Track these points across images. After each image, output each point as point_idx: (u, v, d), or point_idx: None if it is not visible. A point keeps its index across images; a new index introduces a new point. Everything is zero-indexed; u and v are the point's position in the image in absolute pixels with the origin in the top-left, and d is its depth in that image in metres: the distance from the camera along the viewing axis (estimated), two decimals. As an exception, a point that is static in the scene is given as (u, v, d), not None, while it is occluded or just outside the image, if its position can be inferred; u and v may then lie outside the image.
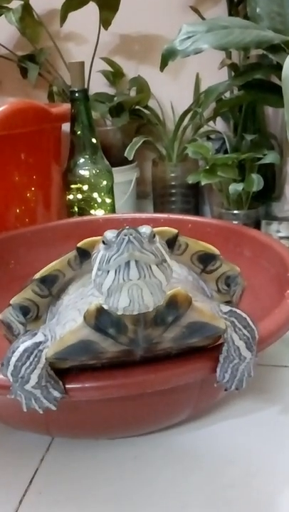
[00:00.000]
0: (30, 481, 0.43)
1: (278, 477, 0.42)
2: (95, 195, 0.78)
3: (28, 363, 0.36)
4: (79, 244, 0.39)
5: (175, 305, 0.33)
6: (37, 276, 0.40)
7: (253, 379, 0.39)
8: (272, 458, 0.44)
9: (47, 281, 0.40)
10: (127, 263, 0.30)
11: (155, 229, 0.39)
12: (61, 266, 0.40)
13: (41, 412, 0.36)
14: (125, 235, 0.30)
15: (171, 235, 0.40)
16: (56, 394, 0.36)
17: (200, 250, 0.41)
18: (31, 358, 0.36)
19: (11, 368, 0.36)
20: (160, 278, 0.32)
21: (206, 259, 0.42)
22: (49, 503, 0.41)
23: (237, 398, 0.51)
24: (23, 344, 0.36)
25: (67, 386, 0.36)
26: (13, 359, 0.36)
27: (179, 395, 0.42)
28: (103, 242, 0.31)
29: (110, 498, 0.41)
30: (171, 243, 0.41)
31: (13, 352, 0.36)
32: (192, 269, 0.43)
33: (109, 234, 0.31)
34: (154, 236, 0.32)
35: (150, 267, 0.31)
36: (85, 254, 0.39)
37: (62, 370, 0.37)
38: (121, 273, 0.30)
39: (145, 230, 0.31)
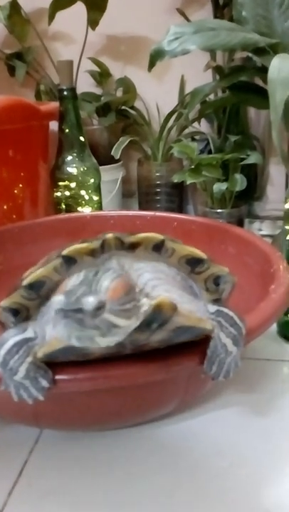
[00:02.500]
0: (20, 473, 0.43)
1: (264, 467, 0.43)
2: (83, 192, 0.79)
3: (16, 357, 0.36)
4: (64, 253, 0.39)
5: (160, 313, 0.33)
6: (24, 282, 0.40)
7: (237, 372, 0.40)
8: (258, 448, 0.45)
9: (34, 286, 0.41)
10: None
11: (142, 235, 0.40)
12: (47, 272, 0.40)
13: (30, 403, 0.37)
14: (68, 316, 0.31)
15: (158, 241, 0.40)
16: (44, 383, 0.36)
17: (187, 254, 0.41)
18: (20, 352, 0.36)
19: None
20: (107, 340, 0.33)
21: (193, 263, 0.42)
22: (38, 494, 0.41)
23: (223, 391, 0.52)
24: (13, 338, 0.37)
25: (59, 377, 0.37)
26: (2, 352, 0.36)
27: (167, 387, 0.42)
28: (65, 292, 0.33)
29: (99, 489, 0.41)
30: (159, 247, 0.41)
31: (3, 345, 0.37)
32: (181, 270, 0.43)
33: (60, 302, 0.32)
34: (100, 308, 0.32)
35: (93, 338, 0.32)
36: (70, 260, 0.40)
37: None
38: (66, 337, 0.33)
39: (90, 302, 0.32)
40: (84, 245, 0.38)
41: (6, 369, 0.36)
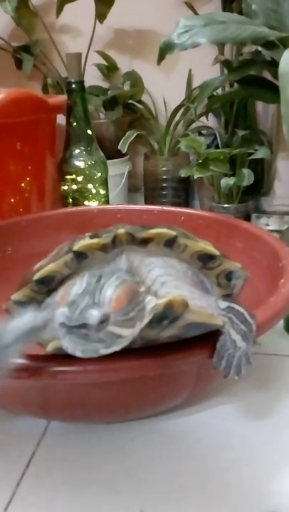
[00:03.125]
0: (28, 465, 0.43)
1: (272, 461, 0.43)
2: (90, 186, 0.79)
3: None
4: (75, 248, 0.39)
5: (171, 310, 0.33)
6: (35, 278, 0.40)
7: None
8: (265, 442, 0.45)
9: (45, 281, 0.41)
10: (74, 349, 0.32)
11: (154, 230, 0.39)
12: (58, 267, 0.40)
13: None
14: (72, 333, 0.31)
15: (170, 237, 0.40)
16: None
17: (199, 251, 0.41)
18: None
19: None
20: (111, 350, 0.32)
21: (205, 258, 0.42)
22: (46, 485, 0.41)
23: (231, 385, 0.52)
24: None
25: (68, 369, 0.36)
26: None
27: (177, 380, 0.42)
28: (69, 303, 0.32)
29: (106, 481, 0.41)
30: (171, 243, 0.41)
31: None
32: (193, 265, 0.43)
33: (64, 315, 0.32)
34: (104, 321, 0.31)
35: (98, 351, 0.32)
36: (81, 256, 0.40)
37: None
38: (71, 350, 0.32)
39: (94, 316, 0.31)
40: (95, 241, 0.38)
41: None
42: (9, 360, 0.34)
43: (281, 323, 0.61)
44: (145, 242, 0.39)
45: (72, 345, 0.32)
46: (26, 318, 0.38)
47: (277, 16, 0.71)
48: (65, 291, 0.34)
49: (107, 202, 0.82)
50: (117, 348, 0.32)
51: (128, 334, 0.32)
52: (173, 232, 0.40)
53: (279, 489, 0.40)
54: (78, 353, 0.32)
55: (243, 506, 0.39)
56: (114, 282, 0.33)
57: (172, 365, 0.38)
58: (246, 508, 0.39)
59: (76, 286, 0.33)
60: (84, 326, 0.31)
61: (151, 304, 0.34)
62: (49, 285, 0.41)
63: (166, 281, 0.38)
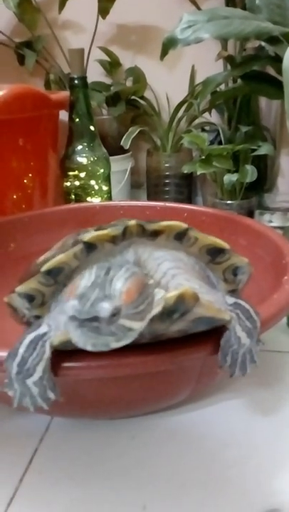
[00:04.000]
0: (30, 461, 0.43)
1: (275, 459, 0.43)
2: (92, 182, 0.79)
3: (34, 354, 0.36)
4: (86, 239, 0.38)
5: (182, 303, 0.33)
6: (43, 269, 0.40)
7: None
8: (268, 440, 0.45)
9: (52, 272, 0.40)
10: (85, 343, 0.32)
11: (165, 223, 0.39)
12: (67, 259, 0.39)
13: (32, 410, 0.37)
14: (83, 326, 0.31)
15: (181, 230, 0.40)
16: (51, 396, 0.36)
17: (209, 244, 0.41)
18: (37, 349, 0.36)
19: (18, 358, 0.36)
20: (122, 343, 0.32)
21: (214, 252, 0.41)
22: (49, 482, 0.41)
23: (234, 381, 0.51)
24: (29, 336, 0.37)
25: (74, 364, 0.36)
26: (21, 350, 0.36)
27: (180, 376, 0.42)
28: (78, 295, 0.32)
29: (109, 478, 0.41)
30: (181, 235, 0.41)
31: (21, 343, 0.37)
32: (200, 259, 0.43)
33: (74, 308, 0.31)
34: (116, 314, 0.31)
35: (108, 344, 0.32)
36: (90, 247, 0.39)
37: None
38: (81, 344, 0.32)
39: (106, 309, 0.31)
40: (105, 232, 0.38)
41: (24, 369, 0.36)
42: None
43: (284, 319, 0.61)
44: (155, 234, 0.39)
45: (83, 339, 0.31)
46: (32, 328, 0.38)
47: (281, 11, 0.71)
48: (74, 284, 0.34)
49: (109, 198, 0.82)
50: (127, 341, 0.32)
51: (138, 327, 0.32)
52: (184, 225, 0.40)
53: (281, 487, 0.40)
54: (89, 347, 0.31)
55: (245, 503, 0.39)
56: (124, 275, 0.33)
57: (176, 362, 0.38)
58: (248, 506, 0.39)
59: (85, 279, 0.33)
60: (95, 319, 0.31)
61: (159, 296, 0.34)
62: (56, 277, 0.40)
63: (177, 274, 0.38)
